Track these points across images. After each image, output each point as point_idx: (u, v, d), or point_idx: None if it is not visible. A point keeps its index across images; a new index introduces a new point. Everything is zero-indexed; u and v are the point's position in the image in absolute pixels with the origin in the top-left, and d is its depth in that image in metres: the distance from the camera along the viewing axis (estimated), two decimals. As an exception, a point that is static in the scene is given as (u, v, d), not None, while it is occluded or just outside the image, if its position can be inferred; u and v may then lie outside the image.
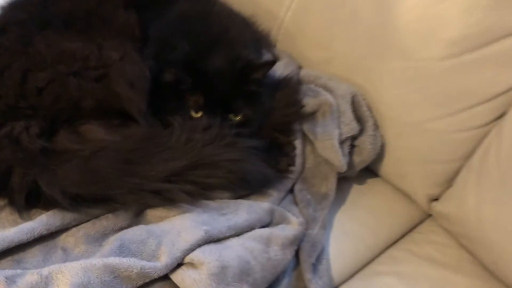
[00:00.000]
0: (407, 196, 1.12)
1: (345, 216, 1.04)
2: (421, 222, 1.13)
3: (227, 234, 0.84)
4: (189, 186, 0.86)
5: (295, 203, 0.98)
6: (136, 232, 0.82)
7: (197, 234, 0.81)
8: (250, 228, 0.87)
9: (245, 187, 0.92)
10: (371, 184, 1.13)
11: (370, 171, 1.13)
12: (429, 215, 1.13)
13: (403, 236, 1.09)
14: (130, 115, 0.89)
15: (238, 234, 0.86)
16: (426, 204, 1.09)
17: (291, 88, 1.02)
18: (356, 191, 1.09)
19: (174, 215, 0.87)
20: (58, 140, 0.86)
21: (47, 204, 0.83)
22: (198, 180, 0.87)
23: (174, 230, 0.83)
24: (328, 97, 1.00)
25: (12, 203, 0.84)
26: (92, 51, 0.88)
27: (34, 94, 0.86)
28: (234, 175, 0.89)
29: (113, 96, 0.87)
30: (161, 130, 0.91)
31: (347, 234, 1.01)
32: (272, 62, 0.95)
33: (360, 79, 1.05)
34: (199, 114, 0.94)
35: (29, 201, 0.83)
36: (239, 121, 0.95)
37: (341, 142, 0.98)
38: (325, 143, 0.97)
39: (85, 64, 0.87)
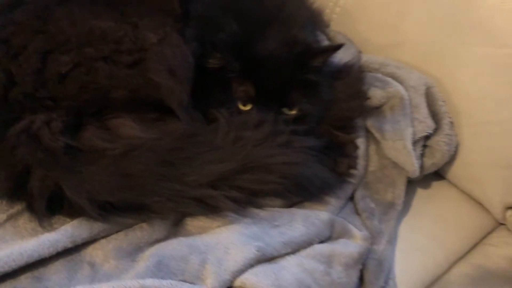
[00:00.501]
0: (477, 202, 0.98)
1: (410, 226, 0.90)
2: (490, 232, 0.99)
3: (282, 252, 0.72)
4: (236, 192, 0.74)
5: (357, 212, 0.84)
6: (175, 247, 0.71)
7: (248, 251, 0.70)
8: (307, 244, 0.75)
9: (300, 193, 0.80)
10: (437, 188, 0.99)
11: (435, 173, 0.99)
12: (500, 224, 0.99)
13: (472, 248, 0.95)
14: (169, 108, 0.76)
15: (294, 251, 0.73)
16: (500, 212, 0.95)
17: (353, 77, 0.88)
18: (420, 197, 0.95)
19: (218, 226, 0.75)
20: (85, 136, 0.74)
21: (71, 211, 0.72)
22: (247, 186, 0.75)
23: (220, 246, 0.71)
24: (399, 88, 0.85)
25: (31, 209, 0.73)
26: (126, 31, 0.74)
27: (56, 81, 0.73)
28: (289, 180, 0.76)
29: (149, 86, 0.74)
30: (204, 126, 0.78)
31: (413, 247, 0.88)
32: (336, 47, 0.80)
33: (433, 68, 0.91)
34: (248, 107, 0.81)
35: (51, 207, 0.72)
36: (294, 116, 0.82)
37: (414, 143, 0.83)
38: (396, 144, 0.83)
39: (117, 47, 0.73)
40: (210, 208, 0.74)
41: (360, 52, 1.00)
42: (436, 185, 0.99)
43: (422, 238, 0.89)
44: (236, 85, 0.80)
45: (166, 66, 0.73)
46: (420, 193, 0.96)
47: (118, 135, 0.74)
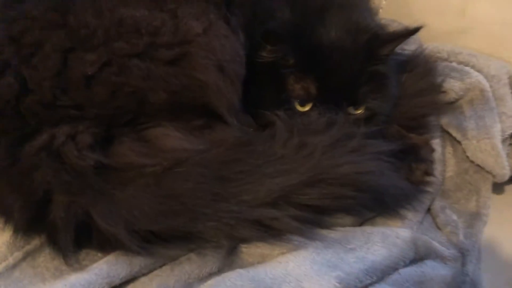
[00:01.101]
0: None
1: (491, 237, 0.77)
2: None
3: (367, 282, 0.59)
4: (303, 211, 0.61)
5: (437, 226, 0.71)
6: (235, 282, 0.57)
7: (328, 284, 0.57)
8: (392, 269, 0.62)
9: (375, 208, 0.67)
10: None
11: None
12: None
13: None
14: (215, 113, 0.63)
15: (379, 279, 0.60)
16: None
17: (423, 68, 0.75)
18: (498, 202, 0.82)
19: (281, 253, 0.62)
20: (118, 151, 0.60)
21: (103, 244, 0.60)
22: (316, 202, 0.62)
23: (290, 278, 0.58)
24: (479, 78, 0.73)
25: (53, 243, 0.60)
26: (163, 21, 0.60)
27: (81, 85, 0.59)
28: (364, 193, 0.63)
29: (194, 86, 0.61)
30: (258, 132, 0.65)
31: (499, 262, 0.75)
32: (411, 31, 0.67)
33: (509, 55, 0.78)
34: (307, 108, 0.68)
35: (77, 240, 0.59)
36: (360, 115, 0.69)
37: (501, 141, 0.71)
38: (481, 143, 0.70)
39: (154, 40, 0.60)
40: (272, 232, 0.60)
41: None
42: (510, 189, 0.87)
43: (507, 251, 0.77)
44: (293, 82, 0.67)
45: (214, 61, 0.60)
46: (497, 198, 0.84)
47: (159, 148, 0.60)
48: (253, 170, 0.60)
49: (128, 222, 0.57)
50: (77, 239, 0.59)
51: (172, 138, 0.60)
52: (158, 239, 0.58)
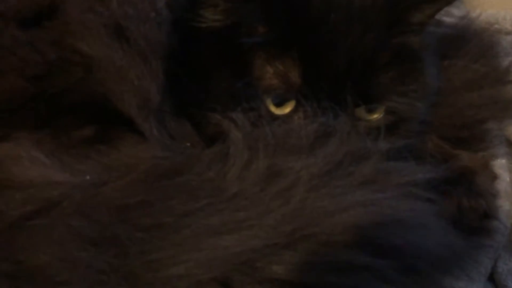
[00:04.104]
0: None
1: None
2: None
3: None
4: None
5: (504, 302, 0.45)
6: None
7: None
8: None
9: (403, 281, 0.40)
10: None
11: None
12: None
13: None
14: (119, 115, 0.36)
15: None
16: None
17: (477, 44, 0.48)
18: None
19: None
20: None
21: None
22: (298, 278, 0.35)
23: None
24: None
25: None
26: None
27: None
28: (386, 259, 0.37)
29: (73, 65, 0.34)
30: (198, 151, 0.38)
31: None
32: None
33: None
34: (287, 109, 0.41)
35: None
36: (378, 121, 0.42)
37: None
38: None
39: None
40: None
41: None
42: None
43: None
44: (262, 62, 0.41)
45: (106, 20, 0.33)
46: None
47: (5, 180, 0.33)
48: (183, 222, 0.34)
49: None
50: None
51: (29, 162, 0.33)
52: None
